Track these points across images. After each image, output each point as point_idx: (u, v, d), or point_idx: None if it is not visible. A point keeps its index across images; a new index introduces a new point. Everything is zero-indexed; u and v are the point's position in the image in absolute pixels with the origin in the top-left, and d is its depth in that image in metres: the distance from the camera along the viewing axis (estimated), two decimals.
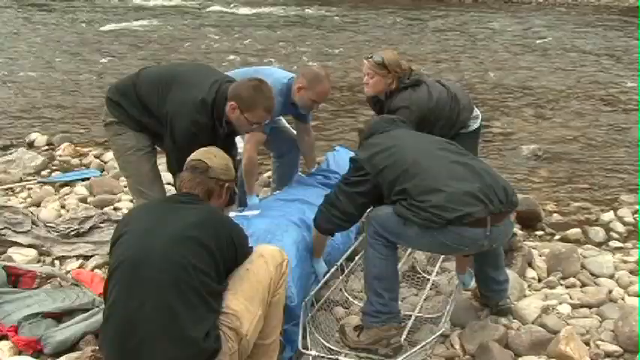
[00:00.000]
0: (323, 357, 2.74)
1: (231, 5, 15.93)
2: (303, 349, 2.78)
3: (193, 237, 2.33)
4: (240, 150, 3.93)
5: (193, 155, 2.68)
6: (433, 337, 2.88)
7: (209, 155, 2.67)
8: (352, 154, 4.47)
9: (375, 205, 3.08)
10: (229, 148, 3.60)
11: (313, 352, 2.75)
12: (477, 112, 4.00)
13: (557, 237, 4.46)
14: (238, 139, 3.88)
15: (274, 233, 3.21)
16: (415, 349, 2.84)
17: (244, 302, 2.41)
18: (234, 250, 2.46)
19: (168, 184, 4.25)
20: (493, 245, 2.95)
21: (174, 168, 3.35)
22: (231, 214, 3.53)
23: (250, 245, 2.65)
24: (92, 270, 3.83)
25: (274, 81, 3.86)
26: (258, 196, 4.21)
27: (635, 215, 4.72)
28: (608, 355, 3.14)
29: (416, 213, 2.79)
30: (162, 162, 3.60)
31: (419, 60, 9.44)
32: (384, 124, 3.30)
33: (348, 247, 3.68)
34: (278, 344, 2.68)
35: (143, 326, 2.20)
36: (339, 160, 4.36)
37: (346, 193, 3.06)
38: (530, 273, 3.86)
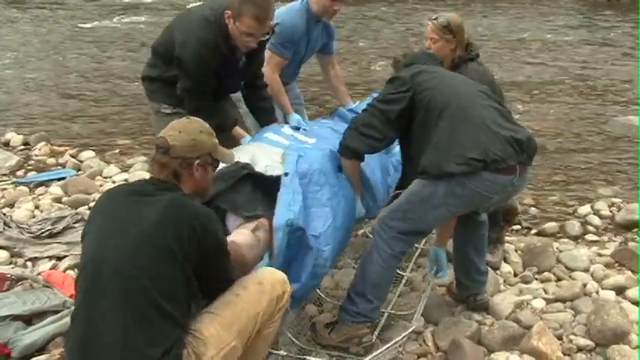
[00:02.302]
0: (292, 357, 2.70)
1: None
2: (272, 349, 2.72)
3: (153, 241, 2.13)
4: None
5: (161, 132, 2.42)
6: (404, 334, 2.87)
7: (173, 132, 2.38)
8: None
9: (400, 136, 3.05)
10: (252, 80, 3.59)
11: (282, 352, 2.71)
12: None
13: (533, 231, 4.46)
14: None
15: (328, 175, 2.98)
16: (386, 346, 2.83)
17: (218, 329, 2.22)
18: (196, 244, 2.18)
19: None
20: (513, 195, 3.04)
21: (193, 106, 3.28)
22: (287, 132, 3.40)
23: (229, 240, 2.40)
24: (65, 271, 3.78)
25: (291, 7, 3.85)
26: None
27: (612, 208, 4.73)
28: (580, 349, 3.15)
29: (451, 159, 2.74)
30: None
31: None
32: (424, 57, 3.25)
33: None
34: None
35: (101, 339, 2.06)
36: None
37: (383, 111, 2.96)
38: (506, 268, 3.86)
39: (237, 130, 3.51)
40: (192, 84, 3.27)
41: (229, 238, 2.53)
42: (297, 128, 3.52)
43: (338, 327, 2.98)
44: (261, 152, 3.00)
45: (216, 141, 2.50)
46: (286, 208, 2.67)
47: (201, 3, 3.56)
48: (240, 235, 2.60)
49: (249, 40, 3.18)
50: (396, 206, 2.94)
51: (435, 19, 3.63)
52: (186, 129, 2.40)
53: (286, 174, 2.81)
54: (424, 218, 2.90)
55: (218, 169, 2.58)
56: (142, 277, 2.09)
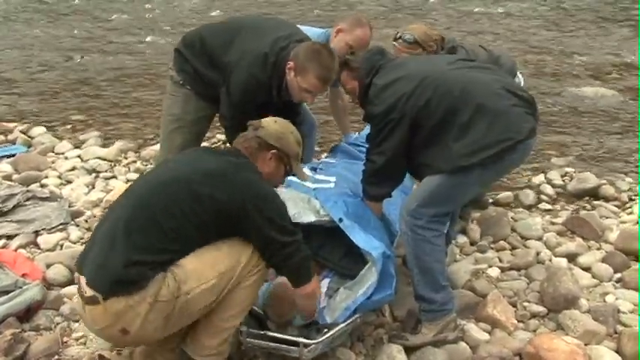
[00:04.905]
0: (253, 332, 2.69)
1: None
2: None
3: (195, 186, 2.38)
4: None
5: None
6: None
7: (270, 120, 2.70)
8: None
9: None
10: (289, 116, 3.39)
11: (243, 327, 2.70)
12: (520, 78, 3.83)
13: (489, 201, 4.51)
14: None
15: (362, 217, 3.03)
16: (346, 322, 2.81)
17: (202, 266, 2.38)
18: (245, 215, 2.39)
19: None
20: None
21: (226, 123, 3.31)
22: (307, 173, 3.33)
23: (280, 281, 2.62)
24: (16, 250, 3.71)
25: (312, 32, 3.70)
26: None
27: (564, 177, 4.82)
28: (534, 315, 3.23)
29: (482, 149, 2.70)
30: None
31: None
32: (376, 56, 3.01)
33: None
34: (231, 335, 2.59)
35: (103, 230, 2.41)
36: None
37: (385, 152, 2.86)
38: (462, 238, 3.91)
39: None
40: (233, 111, 3.25)
41: (280, 279, 2.76)
42: (314, 169, 3.53)
43: (426, 324, 2.95)
44: (289, 199, 3.03)
45: (300, 153, 2.77)
46: (369, 244, 2.83)
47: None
48: None
49: (307, 96, 3.14)
50: (427, 194, 2.86)
51: (399, 39, 3.55)
52: (281, 123, 2.72)
53: (341, 220, 2.92)
54: (459, 199, 3.00)
55: None
56: (165, 206, 2.36)
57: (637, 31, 8.79)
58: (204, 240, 2.42)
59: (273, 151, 2.62)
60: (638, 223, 4.07)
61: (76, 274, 2.49)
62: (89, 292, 2.30)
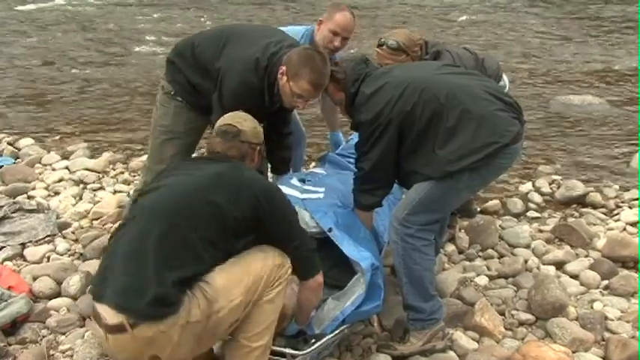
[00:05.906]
0: None
1: None
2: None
3: (211, 194, 2.37)
4: None
5: (222, 120, 2.70)
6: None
7: (239, 119, 2.68)
8: None
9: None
10: (280, 125, 3.47)
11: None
12: (505, 81, 3.81)
13: (477, 209, 4.52)
14: None
15: (352, 227, 3.05)
16: (334, 333, 2.81)
17: (228, 282, 2.31)
18: (256, 211, 2.41)
19: None
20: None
21: None
22: (296, 183, 3.37)
23: (291, 209, 2.58)
24: (2, 262, 3.68)
25: (295, 31, 3.68)
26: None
27: (552, 185, 4.84)
28: (521, 323, 3.24)
29: (469, 154, 2.71)
30: None
31: None
32: (360, 65, 3.01)
33: None
34: (265, 354, 2.49)
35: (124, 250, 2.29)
36: None
37: (373, 159, 2.87)
38: (450, 247, 3.92)
39: None
40: (222, 114, 3.11)
41: None
42: (303, 180, 3.49)
43: (414, 333, 2.95)
44: None
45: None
46: (359, 254, 2.84)
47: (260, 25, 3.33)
48: None
49: (299, 102, 3.09)
50: (416, 202, 2.85)
51: (382, 45, 3.50)
52: (248, 118, 2.72)
53: (330, 230, 2.93)
54: (448, 205, 3.00)
55: None
56: (188, 218, 2.31)
57: (625, 39, 8.88)
58: (228, 247, 2.39)
59: (259, 148, 2.72)
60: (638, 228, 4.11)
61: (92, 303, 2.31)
62: (114, 319, 2.15)
